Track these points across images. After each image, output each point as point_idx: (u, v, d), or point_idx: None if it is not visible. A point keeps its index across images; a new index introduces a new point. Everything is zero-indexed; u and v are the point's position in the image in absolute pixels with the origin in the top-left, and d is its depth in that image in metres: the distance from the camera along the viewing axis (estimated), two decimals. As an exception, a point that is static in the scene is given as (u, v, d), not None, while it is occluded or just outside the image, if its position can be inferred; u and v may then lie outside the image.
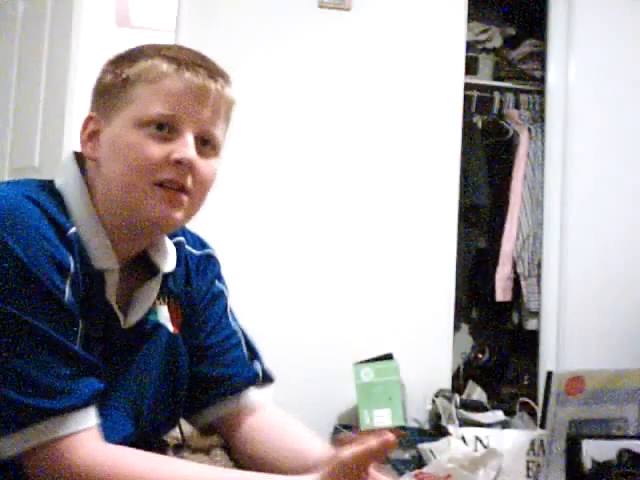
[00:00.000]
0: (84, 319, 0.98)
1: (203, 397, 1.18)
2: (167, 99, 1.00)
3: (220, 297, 1.22)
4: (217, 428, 1.20)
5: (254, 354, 1.23)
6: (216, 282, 1.22)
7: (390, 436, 0.90)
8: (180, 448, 1.18)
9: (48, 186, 1.03)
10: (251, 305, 2.66)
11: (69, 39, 2.87)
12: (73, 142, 2.86)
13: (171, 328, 1.13)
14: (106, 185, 1.03)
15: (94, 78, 1.09)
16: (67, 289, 0.95)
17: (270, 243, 2.81)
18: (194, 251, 1.20)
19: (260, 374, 1.21)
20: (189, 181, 1.01)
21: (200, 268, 1.20)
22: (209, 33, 2.82)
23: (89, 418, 0.94)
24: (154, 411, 1.10)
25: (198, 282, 1.19)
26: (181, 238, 1.18)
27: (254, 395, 1.19)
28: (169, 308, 1.13)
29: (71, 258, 0.97)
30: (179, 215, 1.03)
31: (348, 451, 0.91)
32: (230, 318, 1.22)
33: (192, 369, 1.16)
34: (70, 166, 1.06)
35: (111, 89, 1.03)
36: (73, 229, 0.99)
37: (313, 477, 0.93)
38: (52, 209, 0.98)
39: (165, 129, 1.01)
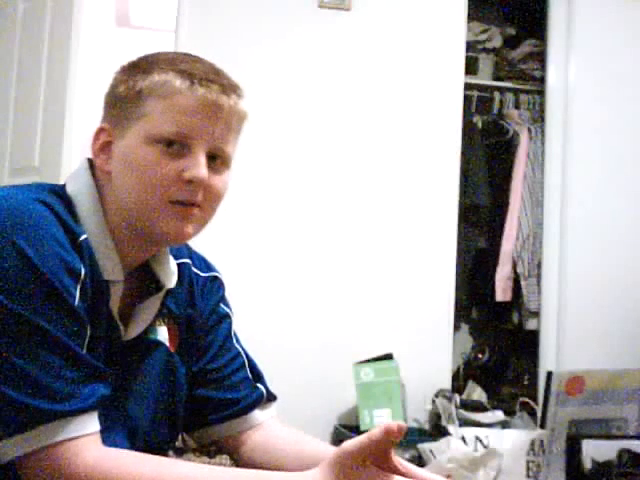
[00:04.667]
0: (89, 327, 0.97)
1: (207, 418, 1.18)
2: (179, 117, 1.00)
3: (225, 319, 1.22)
4: (220, 444, 1.20)
5: (257, 375, 1.22)
6: (221, 304, 1.22)
7: (394, 425, 0.88)
8: (183, 452, 1.17)
9: (59, 192, 1.02)
10: (251, 305, 2.66)
11: (69, 39, 2.87)
12: (73, 142, 2.87)
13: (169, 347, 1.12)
14: (118, 197, 1.02)
15: (106, 85, 1.06)
16: (77, 294, 0.95)
17: (270, 243, 2.81)
18: (200, 273, 1.20)
19: (264, 396, 1.21)
20: (200, 196, 1.01)
21: (205, 290, 1.19)
22: (209, 33, 2.82)
23: (92, 423, 0.93)
24: (152, 428, 1.08)
25: (202, 304, 1.18)
26: (187, 260, 1.17)
27: (258, 416, 1.19)
28: (168, 329, 1.12)
29: (82, 264, 0.96)
30: (190, 229, 1.03)
31: (352, 441, 0.89)
32: (234, 340, 1.22)
33: (196, 391, 1.16)
34: (83, 174, 1.05)
35: (124, 101, 1.02)
36: (84, 236, 0.99)
37: (316, 470, 0.91)
38: (64, 214, 0.98)
39: (176, 145, 1.00)
